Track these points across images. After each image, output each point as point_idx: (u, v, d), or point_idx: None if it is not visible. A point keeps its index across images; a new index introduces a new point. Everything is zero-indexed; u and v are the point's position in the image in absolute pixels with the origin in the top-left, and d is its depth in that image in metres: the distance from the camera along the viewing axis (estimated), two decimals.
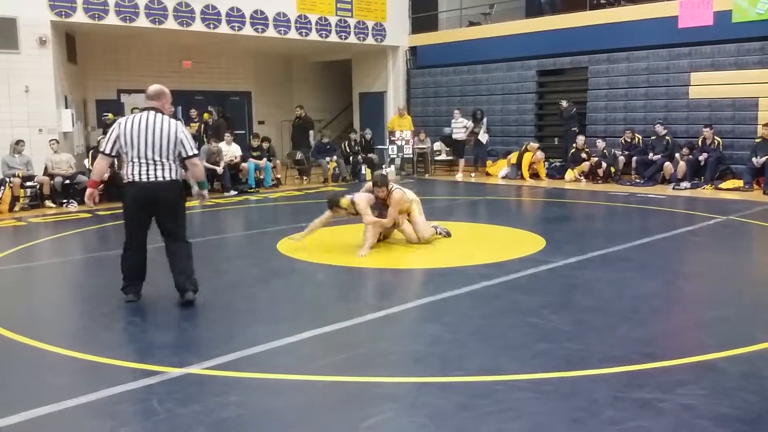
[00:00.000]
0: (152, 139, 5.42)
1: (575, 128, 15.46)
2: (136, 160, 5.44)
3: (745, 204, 11.15)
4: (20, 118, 12.81)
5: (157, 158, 5.44)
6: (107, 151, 5.57)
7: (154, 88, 5.71)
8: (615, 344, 4.60)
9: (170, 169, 5.52)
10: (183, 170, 5.87)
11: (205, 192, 6.10)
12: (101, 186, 12.53)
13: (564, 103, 15.66)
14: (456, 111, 16.69)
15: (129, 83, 17.43)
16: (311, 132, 16.83)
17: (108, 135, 5.61)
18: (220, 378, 4.10)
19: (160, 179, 5.46)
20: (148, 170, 5.45)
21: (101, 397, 3.81)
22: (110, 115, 14.09)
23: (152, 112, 5.54)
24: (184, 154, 5.56)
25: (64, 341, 4.91)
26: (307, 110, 20.97)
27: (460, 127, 16.49)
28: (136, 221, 5.63)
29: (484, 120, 16.52)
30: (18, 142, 12.25)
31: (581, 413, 3.53)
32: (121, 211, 5.80)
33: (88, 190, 5.82)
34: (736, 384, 3.88)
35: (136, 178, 5.45)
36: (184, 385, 4.00)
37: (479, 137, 16.39)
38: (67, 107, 13.96)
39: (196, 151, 5.70)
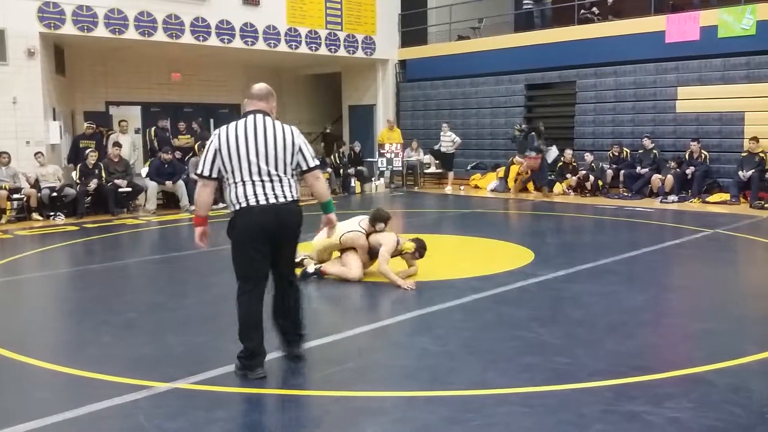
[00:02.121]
0: (265, 148, 4.20)
1: (539, 142, 15.83)
2: (247, 177, 4.18)
3: (732, 217, 11.22)
4: (8, 130, 12.74)
5: (273, 172, 4.21)
6: (206, 173, 4.27)
7: (261, 86, 4.47)
8: (603, 357, 4.60)
9: (290, 187, 4.28)
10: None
11: (333, 216, 4.61)
12: (88, 198, 12.61)
13: (517, 128, 16.08)
14: (444, 124, 16.76)
15: (118, 95, 17.39)
16: None
17: (204, 153, 4.33)
18: (207, 393, 4.07)
19: (281, 200, 4.22)
20: (264, 189, 4.19)
21: (87, 413, 3.77)
22: (94, 125, 14.05)
23: (260, 115, 4.32)
24: (304, 166, 4.35)
25: (49, 355, 4.87)
26: (298, 123, 21.03)
27: (448, 140, 16.55)
28: (250, 257, 4.25)
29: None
30: (1, 155, 12.13)
31: (570, 427, 3.52)
32: (231, 247, 4.36)
33: (199, 230, 4.49)
34: (724, 397, 3.89)
35: (251, 201, 4.17)
36: (171, 400, 3.96)
37: (546, 154, 15.52)
38: (55, 119, 13.90)
39: (317, 162, 4.47)
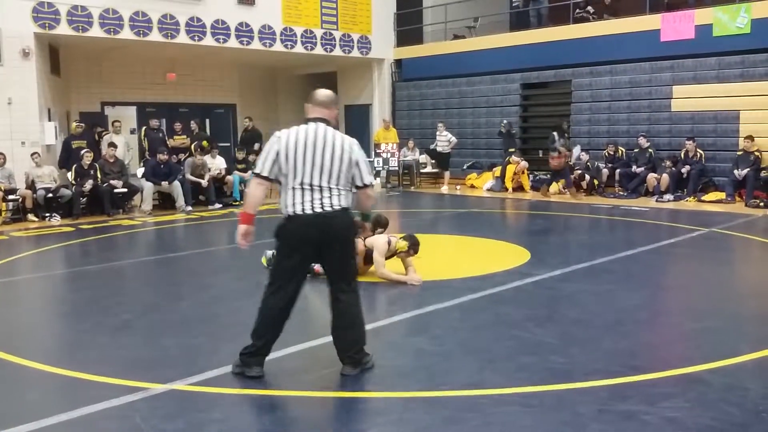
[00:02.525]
0: (321, 160, 4.17)
1: (513, 149, 16.01)
2: (298, 185, 4.20)
3: (728, 216, 11.25)
4: (3, 131, 12.71)
5: (325, 184, 4.20)
6: (265, 173, 4.25)
7: (325, 93, 4.45)
8: (599, 357, 4.61)
9: (339, 197, 4.24)
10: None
11: (368, 225, 4.84)
12: (83, 199, 12.59)
13: (503, 126, 16.25)
14: (440, 124, 16.76)
15: (113, 95, 17.36)
16: (257, 144, 16.03)
17: (264, 152, 4.31)
18: (204, 394, 4.06)
19: (328, 209, 4.20)
20: (313, 198, 4.19)
21: (83, 414, 3.76)
22: (83, 124, 14.06)
23: (321, 125, 4.29)
24: (358, 182, 4.30)
25: (45, 357, 4.86)
26: (293, 122, 21.00)
27: (444, 140, 16.55)
28: (286, 263, 4.32)
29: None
30: None
31: (566, 427, 3.53)
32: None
33: (243, 228, 4.45)
34: (720, 396, 3.90)
35: (298, 210, 4.20)
36: (168, 401, 3.96)
37: (571, 154, 14.93)
38: (50, 120, 13.87)
39: (372, 179, 4.43)
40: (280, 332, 4.35)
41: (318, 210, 4.18)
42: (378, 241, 6.87)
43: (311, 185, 4.18)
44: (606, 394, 3.95)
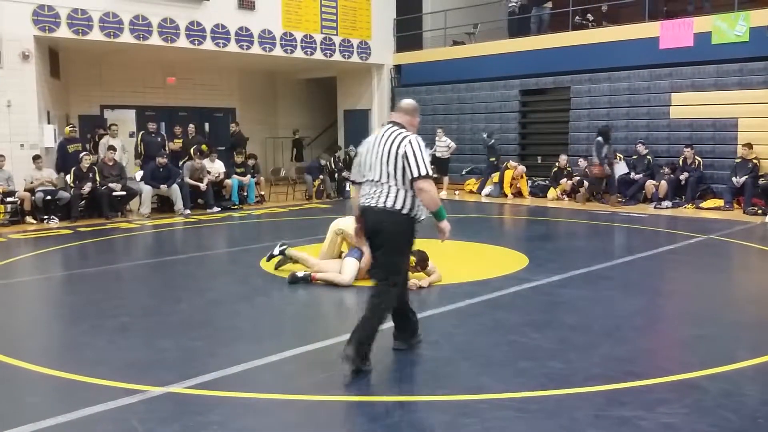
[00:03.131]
0: (374, 158, 4.50)
1: (493, 159, 16.06)
2: (364, 182, 4.60)
3: (726, 223, 11.26)
4: (2, 133, 12.73)
5: (375, 179, 4.49)
6: (352, 177, 4.82)
7: (409, 101, 4.79)
8: (597, 362, 4.61)
9: (388, 194, 4.44)
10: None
11: (444, 225, 4.70)
12: (82, 202, 12.59)
13: (485, 136, 16.35)
14: (439, 129, 16.73)
15: (112, 99, 17.39)
16: (239, 149, 15.66)
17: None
18: (201, 397, 4.06)
19: (375, 205, 4.46)
20: (367, 193, 4.53)
21: (80, 417, 3.76)
22: (76, 128, 14.13)
23: (388, 126, 4.61)
24: (408, 175, 4.41)
25: (43, 359, 4.85)
26: (292, 127, 21.08)
27: (443, 145, 16.52)
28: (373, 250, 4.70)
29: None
30: None
31: None
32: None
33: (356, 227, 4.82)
34: (717, 402, 3.91)
35: (359, 202, 4.60)
36: (165, 404, 3.96)
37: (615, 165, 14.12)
38: (49, 123, 13.88)
39: (427, 172, 4.44)
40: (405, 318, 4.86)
41: (367, 204, 4.51)
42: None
43: (369, 181, 4.54)
44: (603, 400, 3.95)
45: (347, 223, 7.21)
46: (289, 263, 7.59)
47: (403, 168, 4.39)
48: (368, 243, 4.67)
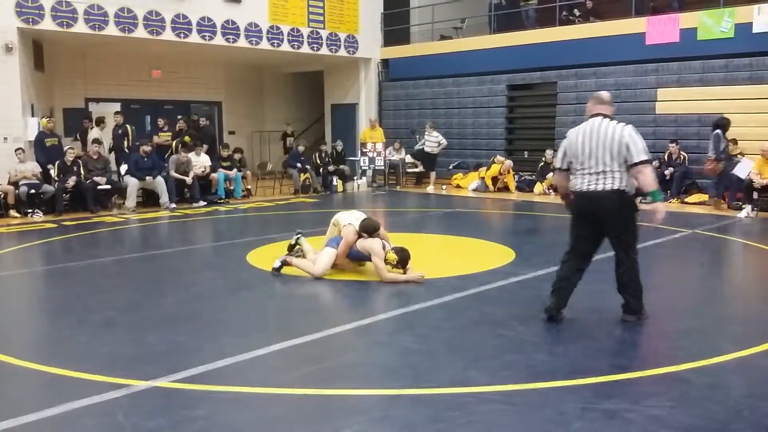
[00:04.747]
0: (595, 147, 5.09)
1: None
2: (580, 170, 5.19)
3: (711, 218, 11.34)
4: None
5: (594, 167, 5.10)
6: (558, 165, 5.44)
7: (606, 93, 5.41)
8: (583, 356, 4.63)
9: (612, 179, 5.05)
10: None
11: (659, 205, 5.19)
12: (66, 195, 12.48)
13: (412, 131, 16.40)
14: (429, 124, 16.67)
15: (97, 92, 17.23)
16: (205, 146, 15.29)
17: (560, 149, 5.43)
18: (187, 391, 4.04)
19: (599, 188, 5.08)
20: (588, 180, 5.13)
21: (65, 411, 3.73)
22: (54, 121, 14.01)
23: (598, 119, 5.19)
24: (630, 160, 5.00)
25: (27, 354, 4.81)
26: (279, 121, 21.00)
27: (433, 140, 16.47)
28: (576, 233, 5.40)
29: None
30: None
31: (550, 425, 3.54)
32: None
33: (564, 200, 5.67)
34: (702, 395, 3.94)
35: (577, 189, 5.21)
36: (151, 398, 3.94)
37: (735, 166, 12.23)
38: (33, 115, 13.74)
39: (645, 157, 5.04)
40: (569, 293, 5.42)
41: (591, 189, 5.11)
42: (375, 246, 6.85)
43: (588, 168, 5.12)
44: (589, 393, 3.96)
45: (343, 214, 7.44)
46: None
47: (625, 154, 5.00)
48: (587, 224, 5.27)
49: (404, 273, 6.87)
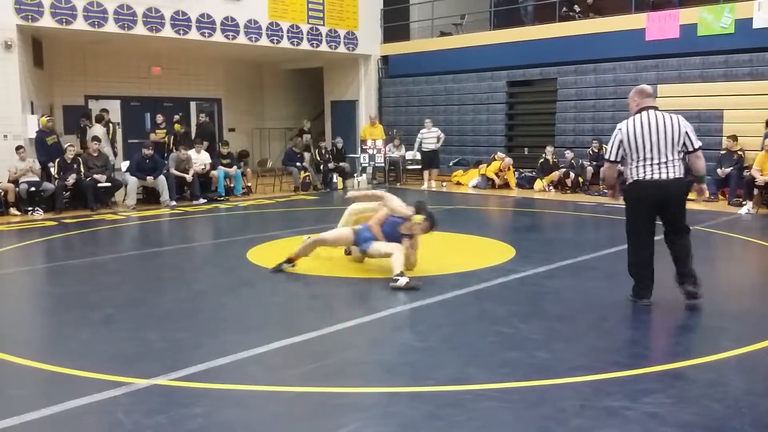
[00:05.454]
0: (656, 137, 5.41)
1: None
2: (641, 161, 5.46)
3: (710, 214, 11.33)
4: None
5: (663, 157, 5.42)
6: (612, 158, 5.63)
7: (649, 87, 5.80)
8: (582, 353, 4.63)
9: (674, 168, 5.47)
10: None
11: (704, 186, 6.00)
12: (67, 193, 12.48)
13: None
14: (427, 120, 16.61)
15: (97, 89, 17.22)
16: (205, 143, 15.20)
17: (611, 142, 5.63)
18: (186, 389, 4.04)
19: (664, 177, 5.45)
20: (652, 170, 5.44)
21: (65, 409, 3.73)
22: (53, 119, 14.01)
23: (652, 112, 5.51)
24: (690, 148, 5.49)
25: (27, 351, 4.81)
26: (279, 118, 21.00)
27: (432, 137, 16.36)
28: (642, 221, 5.65)
29: None
30: None
31: (549, 422, 3.54)
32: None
33: (610, 192, 6.19)
34: (702, 392, 3.94)
35: (640, 177, 5.49)
36: (151, 396, 3.94)
37: None
38: (33, 113, 13.72)
39: (700, 143, 5.57)
40: (649, 270, 5.77)
41: (656, 178, 5.43)
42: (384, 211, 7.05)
43: (650, 159, 5.42)
44: (589, 390, 3.97)
45: (362, 206, 7.59)
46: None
47: (684, 143, 5.43)
48: (649, 210, 5.59)
49: (421, 229, 6.90)
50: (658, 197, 5.53)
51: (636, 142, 5.45)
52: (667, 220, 5.70)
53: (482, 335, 5.06)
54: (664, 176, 5.44)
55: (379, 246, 6.84)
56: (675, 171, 5.48)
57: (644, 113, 5.50)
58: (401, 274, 6.36)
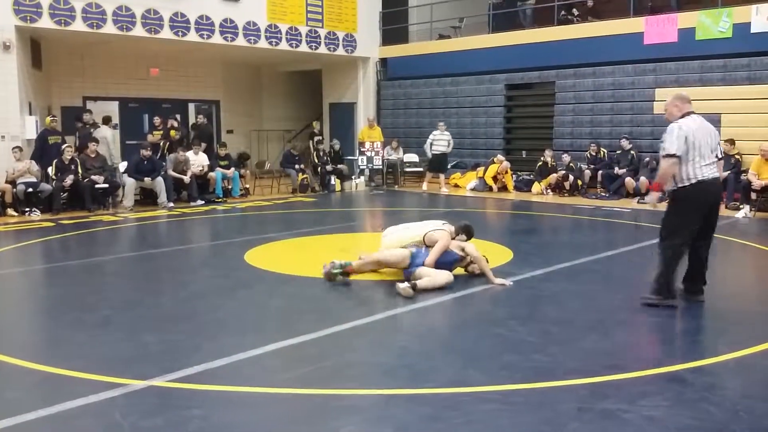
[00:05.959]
0: (708, 140, 5.70)
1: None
2: (698, 160, 5.63)
3: None
4: None
5: (711, 159, 5.71)
6: (678, 153, 5.65)
7: (687, 93, 6.03)
8: (580, 356, 4.63)
9: (715, 169, 5.77)
10: None
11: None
12: (64, 194, 12.46)
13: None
14: (441, 123, 16.30)
15: (95, 90, 17.20)
16: (203, 144, 15.30)
17: (674, 138, 5.65)
18: (184, 391, 4.04)
19: (716, 176, 5.74)
20: (711, 170, 5.69)
21: (62, 411, 3.72)
22: (57, 119, 13.97)
23: (696, 116, 5.77)
24: (719, 154, 5.85)
25: (23, 353, 4.80)
26: (277, 120, 21.00)
27: (444, 140, 16.10)
28: (694, 221, 5.74)
29: None
30: None
31: (546, 425, 3.54)
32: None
33: (655, 195, 6.42)
34: (699, 395, 3.94)
35: (700, 177, 5.64)
36: (148, 398, 3.93)
37: None
38: (31, 114, 13.71)
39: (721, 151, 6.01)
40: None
41: (716, 176, 5.73)
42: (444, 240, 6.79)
43: (706, 159, 5.65)
44: (586, 393, 3.97)
45: (437, 234, 6.91)
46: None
47: (717, 149, 5.77)
48: (703, 212, 5.75)
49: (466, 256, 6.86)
50: (716, 196, 5.86)
51: (698, 141, 5.64)
52: (712, 221, 5.88)
53: (480, 338, 5.06)
54: (718, 176, 5.79)
55: (428, 271, 6.56)
56: (717, 172, 5.80)
57: (694, 116, 5.74)
58: (414, 287, 6.20)
